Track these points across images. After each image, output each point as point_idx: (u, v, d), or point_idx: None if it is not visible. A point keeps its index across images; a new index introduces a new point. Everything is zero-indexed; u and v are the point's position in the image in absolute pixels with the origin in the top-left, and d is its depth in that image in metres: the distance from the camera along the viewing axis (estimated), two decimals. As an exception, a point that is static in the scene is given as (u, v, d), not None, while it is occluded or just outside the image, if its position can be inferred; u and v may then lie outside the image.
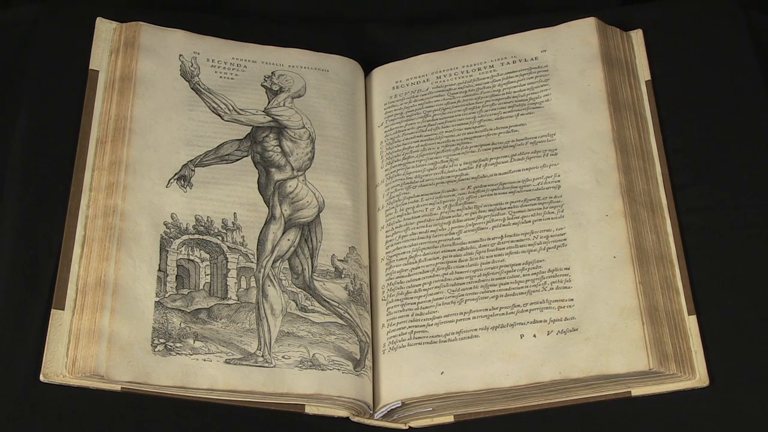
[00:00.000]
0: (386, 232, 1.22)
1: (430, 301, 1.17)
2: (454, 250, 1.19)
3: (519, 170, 1.22)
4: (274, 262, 1.18)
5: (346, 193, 1.23)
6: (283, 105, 1.27)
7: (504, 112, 1.26)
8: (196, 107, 1.24)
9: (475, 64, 1.30)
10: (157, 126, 1.21)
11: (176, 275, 1.15)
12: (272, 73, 1.29)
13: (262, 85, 1.28)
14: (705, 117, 1.24)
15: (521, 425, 1.12)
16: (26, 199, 1.17)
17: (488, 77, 1.29)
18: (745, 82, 1.24)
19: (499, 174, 1.22)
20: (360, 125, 1.29)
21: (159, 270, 1.14)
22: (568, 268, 1.15)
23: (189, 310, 1.13)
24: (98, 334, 1.09)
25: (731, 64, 1.26)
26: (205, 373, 1.10)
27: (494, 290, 1.16)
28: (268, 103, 1.27)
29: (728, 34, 1.28)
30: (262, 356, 1.12)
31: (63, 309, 1.12)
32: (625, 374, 1.09)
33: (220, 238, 1.18)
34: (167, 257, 1.15)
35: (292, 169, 1.23)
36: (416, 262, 1.19)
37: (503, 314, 1.14)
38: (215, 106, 1.25)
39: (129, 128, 1.20)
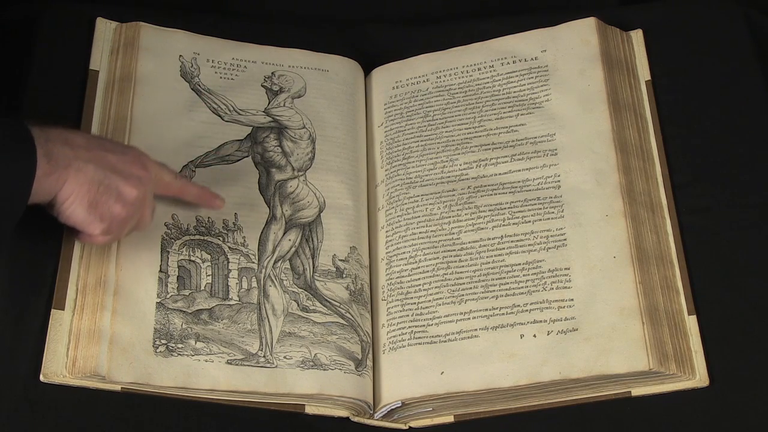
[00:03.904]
0: (386, 232, 1.22)
1: (430, 301, 1.17)
2: (454, 250, 1.19)
3: (519, 170, 1.22)
4: (276, 262, 1.18)
5: (346, 192, 1.23)
6: (284, 105, 1.27)
7: (504, 112, 1.26)
8: (196, 108, 1.24)
9: (475, 64, 1.30)
10: (158, 126, 1.21)
11: (177, 276, 1.14)
12: (272, 73, 1.29)
13: (262, 86, 1.27)
14: (705, 117, 1.24)
15: (521, 425, 1.12)
16: (26, 199, 1.17)
17: (488, 77, 1.29)
18: (745, 82, 1.25)
19: (499, 174, 1.22)
20: (360, 125, 1.29)
21: (160, 271, 1.14)
22: (568, 268, 1.15)
23: (190, 311, 1.13)
24: (99, 335, 1.09)
25: (731, 64, 1.26)
26: (207, 374, 1.10)
27: (494, 290, 1.16)
28: (269, 103, 1.27)
29: (728, 34, 1.28)
30: (264, 357, 1.12)
31: (63, 309, 1.11)
32: (625, 374, 1.09)
33: (221, 238, 1.17)
34: (168, 258, 1.15)
35: (293, 170, 1.23)
36: (416, 262, 1.19)
37: (503, 314, 1.14)
38: (215, 106, 1.25)
39: (129, 128, 1.20)
